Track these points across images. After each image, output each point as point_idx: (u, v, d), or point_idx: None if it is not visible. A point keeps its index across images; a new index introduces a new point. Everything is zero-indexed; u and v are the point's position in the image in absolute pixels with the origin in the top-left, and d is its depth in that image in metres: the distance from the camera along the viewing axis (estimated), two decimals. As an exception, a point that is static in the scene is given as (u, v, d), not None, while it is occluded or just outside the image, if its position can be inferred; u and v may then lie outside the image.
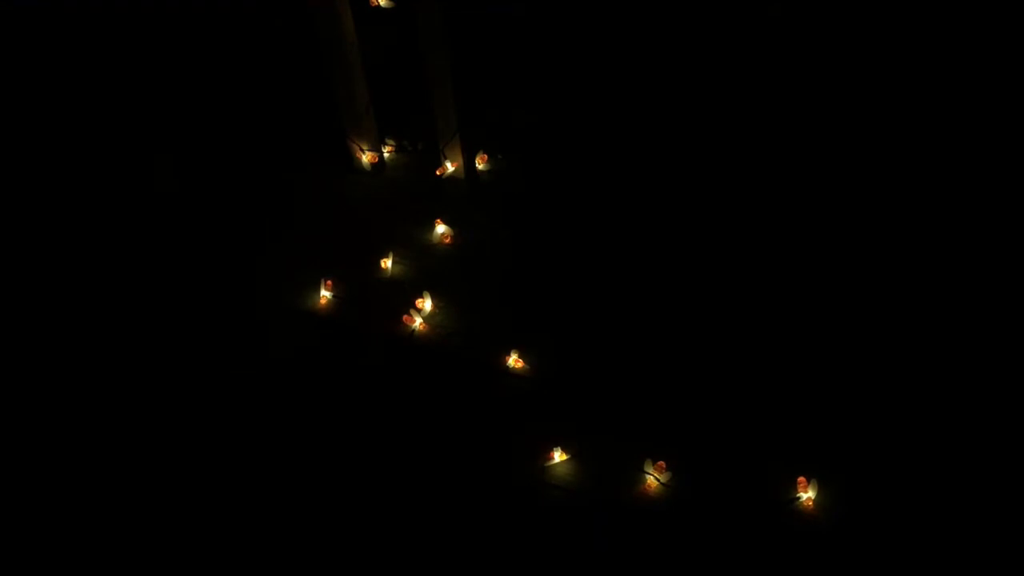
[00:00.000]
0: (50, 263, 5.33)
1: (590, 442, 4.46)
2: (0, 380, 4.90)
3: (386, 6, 5.07)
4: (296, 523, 4.38)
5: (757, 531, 4.19)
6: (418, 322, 4.93)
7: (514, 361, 4.72)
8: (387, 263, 5.18)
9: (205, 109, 5.89)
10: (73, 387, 4.88)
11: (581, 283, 5.08)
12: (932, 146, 5.32)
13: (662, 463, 4.31)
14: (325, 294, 5.06)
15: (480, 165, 5.53)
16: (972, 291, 4.81)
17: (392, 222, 5.44)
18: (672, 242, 5.19)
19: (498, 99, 5.76)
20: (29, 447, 4.71)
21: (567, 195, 5.47)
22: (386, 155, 5.72)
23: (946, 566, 4.05)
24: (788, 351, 4.71)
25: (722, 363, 4.71)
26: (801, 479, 4.25)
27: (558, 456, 4.41)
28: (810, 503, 4.20)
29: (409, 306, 4.98)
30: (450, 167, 5.48)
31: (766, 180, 5.37)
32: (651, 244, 5.20)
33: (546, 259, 5.19)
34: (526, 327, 4.87)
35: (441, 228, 5.33)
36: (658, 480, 4.29)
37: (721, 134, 5.55)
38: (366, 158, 5.62)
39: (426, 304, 4.97)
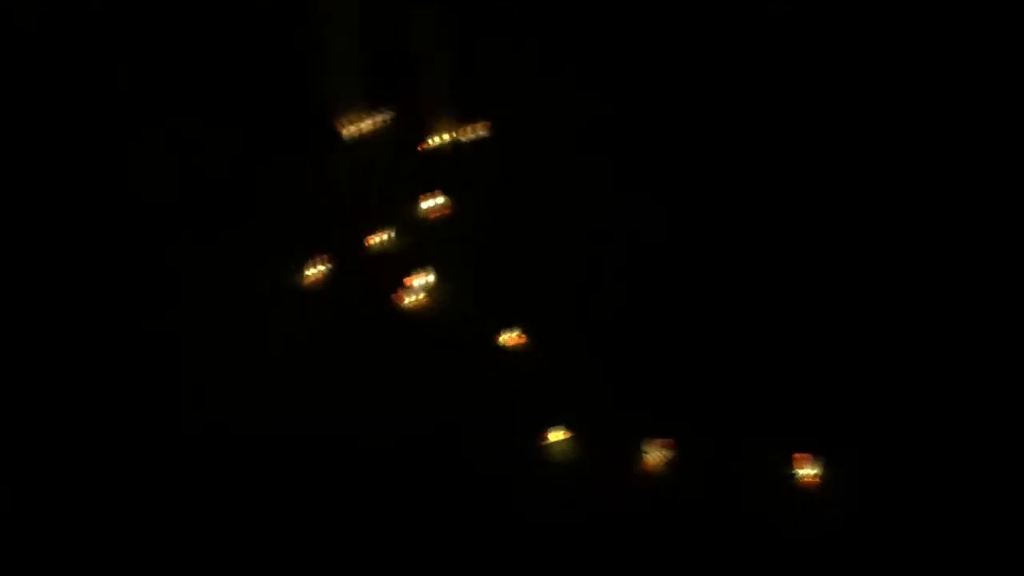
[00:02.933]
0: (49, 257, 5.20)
1: (591, 418, 4.48)
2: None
3: None
4: (290, 502, 4.36)
5: (758, 508, 4.28)
6: (412, 297, 4.89)
7: (513, 337, 4.69)
8: (378, 238, 5.13)
9: (192, 90, 5.72)
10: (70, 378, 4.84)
11: (581, 254, 5.04)
12: (956, 142, 5.33)
13: (667, 440, 4.31)
14: (315, 270, 5.02)
15: (467, 135, 5.45)
16: (989, 282, 4.89)
17: (381, 196, 5.39)
18: (677, 210, 5.16)
19: (492, 63, 5.64)
20: (27, 443, 4.68)
21: (560, 164, 5.41)
22: (371, 126, 5.59)
23: (957, 554, 4.19)
24: (802, 331, 4.71)
25: (733, 340, 4.72)
26: (801, 455, 4.28)
27: (559, 434, 4.42)
28: (814, 479, 4.24)
29: (402, 281, 4.95)
30: (436, 139, 5.39)
31: (775, 159, 5.36)
32: (654, 214, 5.16)
33: (541, 230, 5.15)
34: (525, 301, 4.85)
35: (431, 201, 5.26)
36: (660, 457, 4.29)
37: (727, 106, 5.49)
38: (351, 130, 5.51)
39: (419, 280, 4.94)
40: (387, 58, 5.35)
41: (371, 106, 5.36)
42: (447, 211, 4.98)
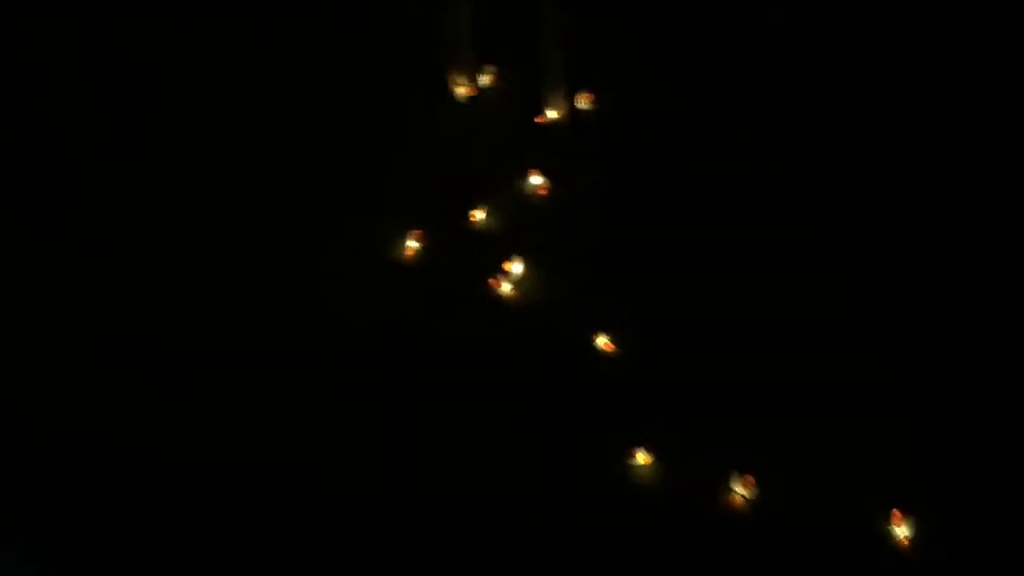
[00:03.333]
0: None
1: (677, 441, 4.07)
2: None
3: None
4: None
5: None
6: (509, 285, 4.54)
7: (604, 343, 4.31)
8: (480, 213, 4.78)
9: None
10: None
11: (695, 251, 4.61)
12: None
13: (750, 477, 3.92)
14: (411, 244, 4.70)
15: (583, 104, 5.05)
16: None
17: (488, 165, 4.96)
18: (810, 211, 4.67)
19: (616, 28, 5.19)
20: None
21: (687, 142, 4.93)
22: (485, 85, 5.20)
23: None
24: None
25: (851, 368, 4.29)
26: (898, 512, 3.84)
27: (642, 458, 4.06)
28: (903, 541, 3.80)
29: (499, 264, 4.58)
30: (552, 113, 5.02)
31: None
32: (781, 212, 4.70)
33: (654, 219, 4.73)
34: (623, 301, 4.46)
35: (540, 177, 4.89)
36: (743, 497, 3.90)
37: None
38: (463, 90, 5.15)
39: (519, 265, 4.58)
40: (507, 17, 5.00)
41: (487, 64, 5.07)
42: (555, 191, 4.66)
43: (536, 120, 5.06)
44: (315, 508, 4.12)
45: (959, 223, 4.67)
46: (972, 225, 4.66)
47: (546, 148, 5.02)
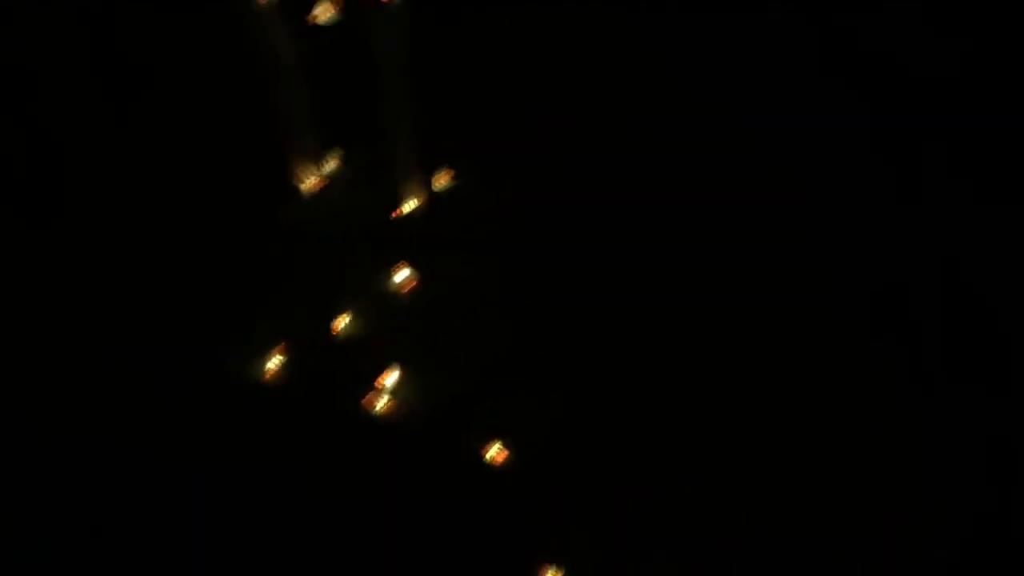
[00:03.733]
0: None
1: (582, 554, 3.96)
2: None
3: (327, 23, 4.52)
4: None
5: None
6: (384, 401, 4.33)
7: (495, 452, 4.15)
8: (341, 323, 4.52)
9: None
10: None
11: (576, 332, 4.52)
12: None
13: None
14: (274, 362, 4.43)
15: (442, 184, 4.87)
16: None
17: (346, 267, 4.73)
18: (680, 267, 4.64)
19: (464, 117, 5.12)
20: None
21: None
22: (332, 177, 5.00)
23: None
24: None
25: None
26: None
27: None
28: None
29: (372, 381, 4.37)
30: (409, 204, 4.82)
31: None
32: (655, 273, 4.65)
33: (530, 300, 4.60)
34: (511, 400, 4.31)
35: (402, 274, 4.65)
36: None
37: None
38: (308, 184, 4.92)
39: (392, 378, 4.35)
40: (349, 98, 4.78)
41: (331, 150, 4.78)
42: (419, 285, 4.36)
43: (392, 216, 4.80)
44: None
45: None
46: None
47: (409, 239, 4.78)
